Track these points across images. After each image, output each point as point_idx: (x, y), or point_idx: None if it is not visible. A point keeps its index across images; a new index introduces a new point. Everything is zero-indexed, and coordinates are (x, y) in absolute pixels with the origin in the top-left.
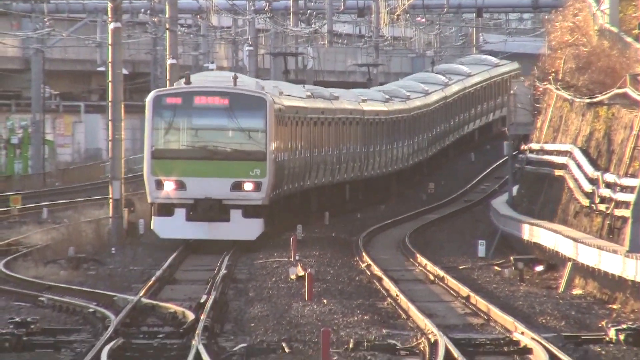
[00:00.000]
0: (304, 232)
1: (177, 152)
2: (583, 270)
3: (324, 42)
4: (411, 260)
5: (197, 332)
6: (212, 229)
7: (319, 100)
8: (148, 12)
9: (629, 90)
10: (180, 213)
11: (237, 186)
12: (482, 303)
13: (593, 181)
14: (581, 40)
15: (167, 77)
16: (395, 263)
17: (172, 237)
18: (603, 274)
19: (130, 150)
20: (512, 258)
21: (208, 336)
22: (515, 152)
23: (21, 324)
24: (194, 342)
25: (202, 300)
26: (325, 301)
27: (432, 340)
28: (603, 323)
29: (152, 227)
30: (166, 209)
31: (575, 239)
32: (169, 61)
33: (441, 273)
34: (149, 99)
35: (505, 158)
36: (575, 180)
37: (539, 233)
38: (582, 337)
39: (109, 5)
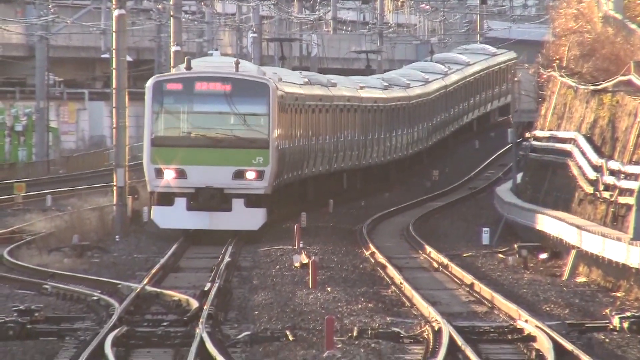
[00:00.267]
0: (308, 220)
1: (177, 140)
2: (587, 258)
3: (328, 29)
4: (415, 247)
5: (201, 320)
6: (213, 219)
7: (316, 87)
8: None
9: (633, 77)
10: (181, 202)
11: (239, 175)
12: (486, 291)
13: (597, 168)
14: (585, 27)
15: (171, 64)
16: (399, 251)
17: (172, 228)
18: (607, 262)
19: (134, 137)
20: (516, 246)
21: (212, 324)
22: (520, 140)
23: (25, 312)
24: (197, 330)
25: (206, 288)
26: (329, 289)
27: (436, 328)
28: (607, 311)
29: (151, 217)
30: (166, 199)
31: (579, 227)
32: (173, 48)
33: (445, 261)
34: (148, 84)
35: (510, 145)
36: (580, 167)
37: (543, 220)
38: (586, 325)
39: None
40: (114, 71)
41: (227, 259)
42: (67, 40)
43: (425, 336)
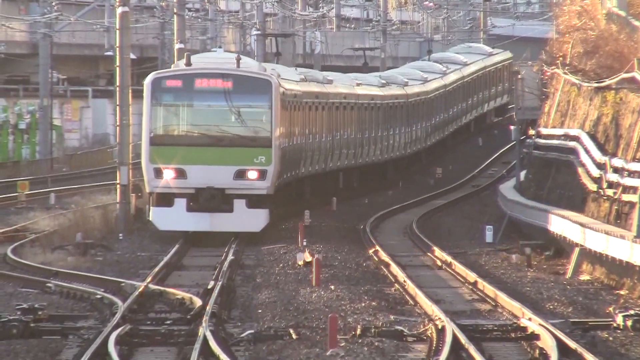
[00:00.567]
0: (311, 217)
1: (177, 139)
2: (590, 256)
3: (331, 26)
4: (418, 245)
5: (204, 318)
6: (214, 221)
7: (312, 84)
8: None
9: (637, 75)
10: (181, 203)
11: (240, 174)
12: (489, 289)
13: (601, 166)
14: (589, 24)
15: (175, 62)
16: (402, 249)
17: (171, 229)
18: (610, 260)
19: (138, 135)
20: (519, 243)
21: (215, 322)
22: (523, 137)
23: (29, 311)
24: (201, 329)
25: (209, 287)
26: (332, 287)
27: (440, 327)
28: (610, 309)
29: (150, 219)
30: (165, 199)
31: (582, 224)
32: (177, 45)
33: (449, 259)
34: (147, 81)
35: (513, 143)
36: (583, 165)
37: (546, 218)
38: (590, 323)
39: None
40: (117, 69)
41: (230, 257)
42: (70, 38)
43: (429, 334)
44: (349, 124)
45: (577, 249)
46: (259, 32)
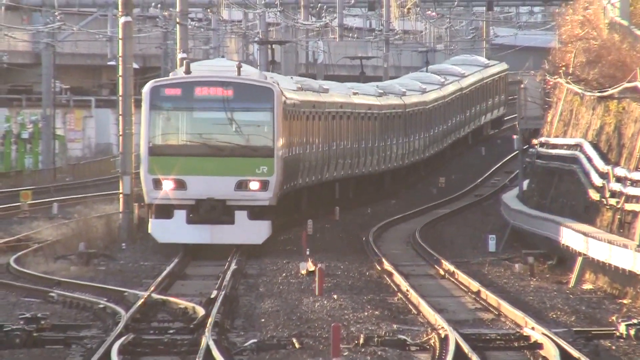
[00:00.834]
0: (314, 226)
1: (176, 149)
2: (593, 265)
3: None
4: (421, 255)
5: (207, 327)
6: (215, 233)
7: (309, 93)
8: (159, 5)
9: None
10: (180, 215)
11: (242, 185)
12: (492, 298)
13: (603, 175)
14: (591, 33)
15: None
16: (405, 258)
17: (171, 242)
18: (613, 269)
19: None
20: (522, 253)
21: (218, 332)
22: (526, 147)
23: (31, 320)
24: (204, 338)
25: (212, 296)
26: (335, 296)
27: (443, 336)
28: (613, 318)
29: (149, 231)
30: (165, 211)
31: (585, 234)
32: (180, 55)
33: (451, 268)
34: (145, 89)
35: (516, 152)
36: (586, 174)
37: (549, 227)
38: (593, 332)
39: None
40: (120, 78)
41: (233, 266)
42: (73, 48)
43: (432, 344)
44: (346, 133)
45: (580, 258)
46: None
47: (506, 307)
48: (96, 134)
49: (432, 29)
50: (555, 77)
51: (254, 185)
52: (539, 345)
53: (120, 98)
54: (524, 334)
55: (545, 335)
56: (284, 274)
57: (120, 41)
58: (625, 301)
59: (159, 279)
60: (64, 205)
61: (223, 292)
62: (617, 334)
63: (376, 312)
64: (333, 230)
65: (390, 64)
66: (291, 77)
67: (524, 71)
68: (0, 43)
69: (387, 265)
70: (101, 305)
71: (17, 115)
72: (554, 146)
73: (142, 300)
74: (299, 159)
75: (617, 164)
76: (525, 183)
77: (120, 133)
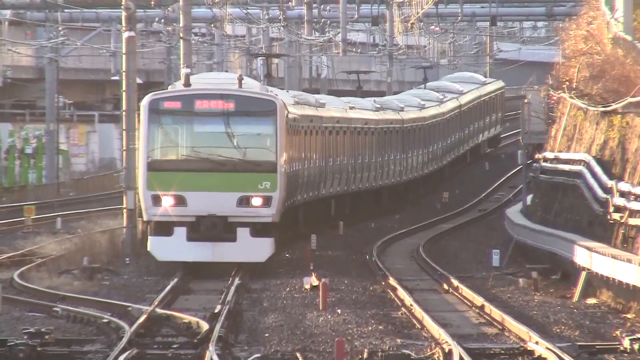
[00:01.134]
0: (318, 242)
1: (176, 164)
2: (597, 280)
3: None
4: (425, 269)
5: (211, 342)
6: (216, 250)
7: (306, 107)
8: (162, 21)
9: None
10: (180, 232)
11: (244, 201)
12: (496, 312)
13: (607, 190)
14: (595, 48)
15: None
16: (409, 272)
17: (171, 260)
18: (617, 283)
19: None
20: (526, 267)
21: (222, 346)
22: (530, 161)
23: (35, 335)
24: (208, 353)
25: (216, 310)
26: (339, 311)
27: (447, 350)
28: (617, 332)
29: (148, 249)
30: (164, 228)
31: (589, 248)
32: (183, 70)
33: (455, 282)
34: (144, 103)
35: (520, 167)
36: (590, 189)
37: (553, 242)
38: (597, 347)
39: (123, 14)
40: (123, 93)
41: (237, 281)
42: (77, 63)
43: (436, 358)
44: (342, 149)
45: (584, 273)
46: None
47: (510, 322)
48: (100, 148)
49: (436, 44)
50: (559, 91)
51: (257, 201)
52: None
53: (123, 113)
54: (528, 348)
55: (549, 349)
56: (288, 289)
57: (123, 56)
58: (629, 316)
59: (163, 293)
60: (68, 220)
61: (227, 307)
62: (621, 348)
63: (380, 327)
64: (337, 245)
65: (394, 79)
66: (287, 91)
67: (527, 86)
68: (4, 58)
69: (391, 280)
70: (105, 320)
71: (20, 130)
72: (558, 161)
73: (146, 315)
74: (298, 174)
75: (620, 178)
76: (529, 198)
77: (124, 148)
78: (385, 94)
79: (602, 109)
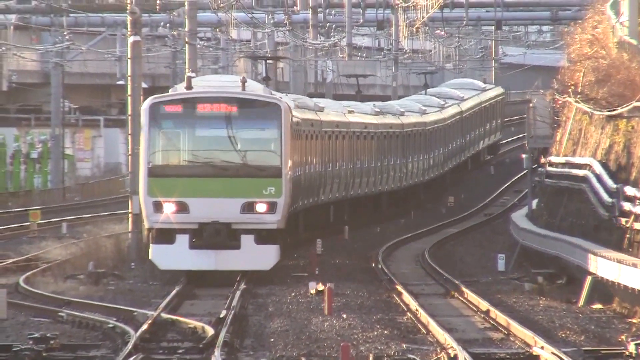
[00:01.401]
0: (323, 246)
1: (178, 169)
2: (603, 284)
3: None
4: (430, 274)
5: (216, 347)
6: (219, 258)
7: (307, 112)
8: (167, 25)
9: None
10: (183, 240)
11: (248, 207)
12: (501, 317)
13: (613, 194)
14: (600, 52)
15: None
16: (415, 277)
17: (173, 268)
18: (623, 288)
19: None
20: (531, 272)
21: (228, 351)
22: (535, 166)
23: (41, 340)
24: (213, 358)
25: (221, 315)
26: (344, 316)
27: (452, 355)
28: (623, 337)
29: (150, 257)
30: (166, 236)
31: (594, 253)
32: (189, 75)
33: (461, 287)
34: (144, 107)
35: (525, 171)
36: (595, 193)
37: (558, 247)
38: (602, 352)
39: (128, 18)
40: (129, 98)
41: (242, 285)
42: (82, 67)
43: None
44: (341, 153)
45: (589, 278)
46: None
47: (515, 327)
48: (105, 153)
49: (441, 48)
50: (564, 96)
51: (261, 207)
52: None
53: (129, 117)
54: (534, 353)
55: (555, 354)
56: (293, 294)
57: (129, 61)
58: (634, 320)
59: (168, 298)
60: (73, 225)
61: (232, 312)
62: (627, 353)
63: (385, 332)
64: (342, 249)
65: (399, 83)
66: (286, 94)
67: (533, 90)
68: (10, 62)
69: (397, 285)
70: (110, 325)
71: (26, 134)
72: (563, 165)
73: (152, 319)
74: (300, 180)
75: (626, 182)
76: (535, 202)
77: (130, 152)
78: (390, 99)
79: (608, 113)
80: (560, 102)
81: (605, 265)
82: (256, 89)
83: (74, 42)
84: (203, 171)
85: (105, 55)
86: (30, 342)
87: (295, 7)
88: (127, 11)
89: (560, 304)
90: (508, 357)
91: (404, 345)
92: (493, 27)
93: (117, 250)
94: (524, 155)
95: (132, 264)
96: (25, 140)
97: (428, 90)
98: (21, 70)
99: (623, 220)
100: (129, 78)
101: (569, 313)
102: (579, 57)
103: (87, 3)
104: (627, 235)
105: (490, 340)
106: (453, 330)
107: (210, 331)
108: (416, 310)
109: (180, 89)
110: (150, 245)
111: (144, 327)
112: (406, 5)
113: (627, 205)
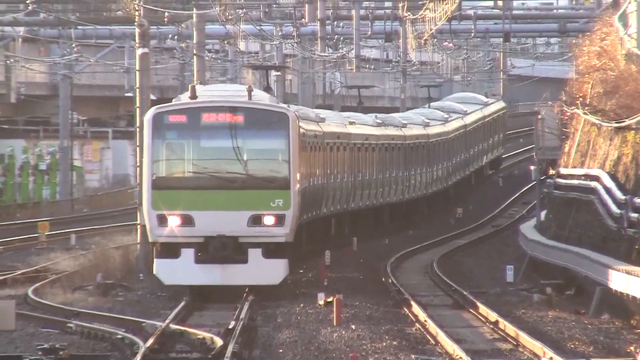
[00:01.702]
0: (332, 257)
1: (182, 181)
2: (612, 295)
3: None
4: (439, 285)
5: (225, 358)
6: (226, 273)
7: (311, 123)
8: (176, 37)
9: None
10: (188, 254)
11: (255, 220)
12: (510, 328)
13: (621, 206)
14: (608, 64)
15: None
16: (423, 288)
17: (178, 284)
18: (632, 299)
19: None
20: (540, 283)
21: None
22: (543, 177)
23: (50, 351)
24: None
25: (230, 326)
26: (353, 327)
27: None
28: (631, 348)
29: (154, 272)
30: (171, 250)
31: (603, 264)
32: (193, 84)
33: (470, 298)
34: (147, 117)
35: (533, 183)
36: (604, 204)
37: (567, 258)
38: None
39: (137, 30)
40: (137, 110)
41: (251, 296)
42: (90, 79)
43: None
44: (342, 165)
45: (598, 289)
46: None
47: (524, 337)
48: (113, 165)
49: (449, 60)
50: (573, 107)
51: (269, 220)
52: None
53: (137, 129)
54: None
55: None
56: (302, 305)
57: (137, 73)
58: None
59: (177, 309)
60: (82, 236)
61: (241, 323)
62: None
63: (394, 343)
64: (350, 260)
65: (407, 95)
66: (288, 106)
67: (541, 102)
68: (18, 75)
69: (405, 296)
70: (119, 336)
71: (34, 146)
72: (572, 177)
73: (160, 330)
74: (305, 192)
75: (634, 194)
76: (543, 214)
77: (138, 164)
78: (398, 111)
79: (616, 124)
80: (568, 113)
81: (614, 276)
82: (263, 99)
83: (82, 54)
84: (209, 183)
85: (114, 67)
86: (39, 353)
87: (303, 19)
88: (136, 23)
89: (569, 314)
90: None
91: (413, 356)
92: (501, 39)
93: (125, 261)
94: (532, 167)
95: (141, 275)
96: (33, 152)
97: (432, 103)
98: (29, 82)
99: (631, 231)
100: (137, 90)
101: (578, 324)
102: (587, 69)
103: (95, 15)
104: (636, 247)
105: (499, 351)
106: (462, 341)
107: (219, 342)
108: (425, 321)
109: (184, 99)
110: (155, 259)
111: (153, 337)
112: (414, 17)
113: (635, 217)
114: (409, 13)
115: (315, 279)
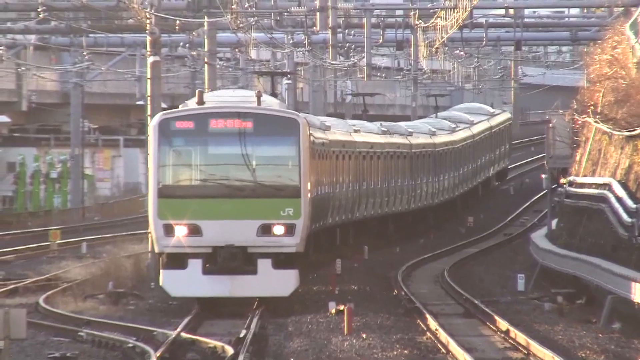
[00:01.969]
0: (343, 265)
1: (189, 189)
2: (623, 304)
3: (362, 75)
4: (450, 294)
5: None
6: (235, 284)
7: (317, 130)
8: (187, 45)
9: None
10: (196, 265)
11: (265, 230)
12: (521, 337)
13: (632, 214)
14: (620, 73)
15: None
16: (434, 297)
17: (185, 295)
18: None
19: None
20: (551, 292)
21: None
22: (554, 186)
23: (61, 359)
24: None
25: (241, 335)
26: (364, 335)
27: None
28: None
29: (160, 284)
30: (178, 260)
31: (614, 273)
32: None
33: (481, 307)
34: (153, 123)
35: (544, 192)
36: (615, 213)
37: (578, 266)
38: None
39: (148, 38)
40: (148, 118)
41: (262, 306)
42: (101, 87)
43: None
44: (347, 174)
45: (609, 297)
46: (290, 81)
47: (535, 346)
48: (125, 173)
49: (461, 68)
50: (584, 116)
51: (279, 229)
52: None
53: (148, 137)
54: None
55: None
56: (313, 314)
57: (148, 81)
58: None
59: (188, 318)
60: (93, 245)
61: (252, 332)
62: None
63: (405, 352)
64: (361, 269)
65: (419, 103)
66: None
67: (552, 110)
68: (29, 83)
69: (416, 304)
70: (130, 345)
71: (45, 154)
72: (583, 185)
73: (171, 339)
74: (314, 201)
75: None
76: (554, 222)
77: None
78: (409, 119)
79: (627, 133)
80: (579, 122)
81: (625, 284)
82: (272, 104)
83: (93, 62)
84: (217, 191)
85: (125, 76)
86: None
87: (314, 27)
88: (147, 31)
89: (580, 323)
90: None
91: None
92: (512, 48)
93: (136, 270)
94: (543, 176)
95: (152, 283)
96: (44, 160)
97: (438, 113)
98: (41, 90)
99: None
100: (149, 98)
101: (589, 333)
102: (599, 77)
103: (106, 23)
104: None
105: None
106: (473, 350)
107: (230, 351)
108: (436, 330)
109: (191, 104)
110: (161, 270)
111: (164, 346)
112: (425, 25)
113: None
114: (420, 21)
115: (326, 288)
